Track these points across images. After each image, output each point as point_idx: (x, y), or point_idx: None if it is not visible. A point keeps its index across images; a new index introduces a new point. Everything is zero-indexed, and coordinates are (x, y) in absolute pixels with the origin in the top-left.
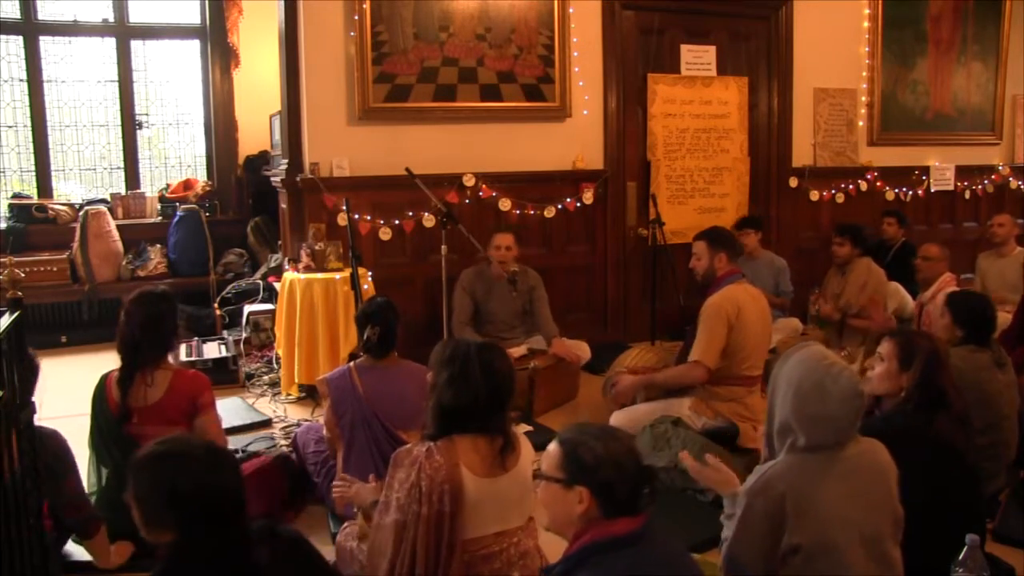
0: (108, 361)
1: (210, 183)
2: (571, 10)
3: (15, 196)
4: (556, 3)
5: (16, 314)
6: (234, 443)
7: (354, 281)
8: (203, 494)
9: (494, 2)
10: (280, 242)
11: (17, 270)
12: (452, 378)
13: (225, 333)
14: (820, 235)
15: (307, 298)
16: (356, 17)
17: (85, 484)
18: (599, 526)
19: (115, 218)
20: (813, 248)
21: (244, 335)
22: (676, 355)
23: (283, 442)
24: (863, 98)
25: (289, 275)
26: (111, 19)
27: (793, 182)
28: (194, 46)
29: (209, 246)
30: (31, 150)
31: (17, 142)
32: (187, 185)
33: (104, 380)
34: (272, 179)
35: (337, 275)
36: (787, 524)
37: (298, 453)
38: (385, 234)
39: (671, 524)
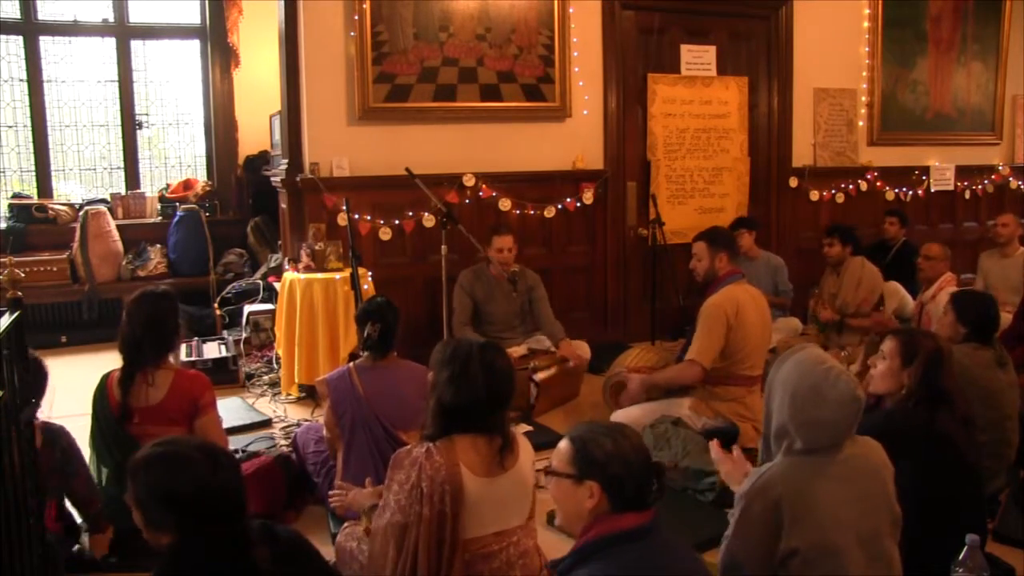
0: (108, 361)
1: (210, 183)
2: (571, 10)
3: (15, 196)
4: (556, 3)
5: (16, 314)
6: (234, 443)
7: (354, 281)
8: (203, 495)
9: (494, 2)
10: (280, 242)
11: (17, 270)
12: (453, 377)
13: (225, 333)
14: (820, 235)
15: (307, 298)
16: (356, 17)
17: None
18: (607, 520)
19: (115, 218)
20: (813, 248)
21: (244, 335)
22: (676, 355)
23: (283, 442)
24: (863, 98)
25: (289, 275)
26: (111, 19)
27: (793, 182)
28: (194, 46)
29: (209, 246)
30: (31, 150)
31: (17, 142)
32: (187, 185)
33: (105, 380)
34: (272, 179)
35: (337, 275)
36: (784, 527)
37: (298, 453)
38: (385, 234)
39: (671, 523)
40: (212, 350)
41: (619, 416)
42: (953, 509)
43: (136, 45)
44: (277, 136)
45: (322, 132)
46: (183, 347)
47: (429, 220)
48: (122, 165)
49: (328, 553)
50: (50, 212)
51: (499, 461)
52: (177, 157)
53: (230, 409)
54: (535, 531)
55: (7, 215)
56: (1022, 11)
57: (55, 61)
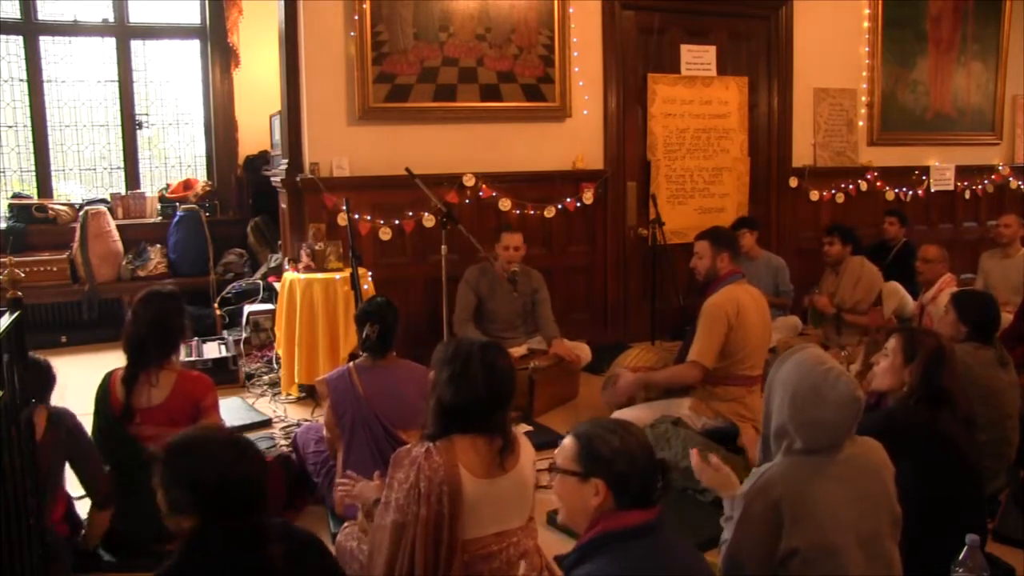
0: (108, 361)
1: (210, 183)
2: (571, 10)
3: (15, 196)
4: (556, 3)
5: (16, 314)
6: None
7: (354, 281)
8: (226, 484)
9: (494, 2)
10: (280, 242)
11: (17, 270)
12: (453, 376)
13: (225, 333)
14: (820, 235)
15: (307, 298)
16: (356, 17)
17: None
18: (612, 517)
19: (115, 218)
20: (813, 248)
21: (244, 335)
22: (676, 355)
23: (283, 442)
24: (863, 98)
25: (289, 275)
26: (111, 19)
27: (793, 182)
28: (194, 46)
29: (209, 246)
30: (31, 150)
31: (17, 142)
32: (187, 185)
33: (108, 379)
34: (272, 179)
35: (337, 275)
36: (784, 527)
37: (298, 453)
38: (385, 234)
39: (671, 523)
40: (212, 350)
41: (619, 416)
42: (953, 509)
43: (136, 45)
44: (277, 136)
45: (322, 132)
46: (183, 347)
47: (429, 220)
48: (122, 165)
49: None
50: (50, 212)
51: (499, 462)
52: (177, 157)
53: (230, 409)
54: (535, 531)
55: (7, 215)
56: (1022, 11)
57: (55, 61)
